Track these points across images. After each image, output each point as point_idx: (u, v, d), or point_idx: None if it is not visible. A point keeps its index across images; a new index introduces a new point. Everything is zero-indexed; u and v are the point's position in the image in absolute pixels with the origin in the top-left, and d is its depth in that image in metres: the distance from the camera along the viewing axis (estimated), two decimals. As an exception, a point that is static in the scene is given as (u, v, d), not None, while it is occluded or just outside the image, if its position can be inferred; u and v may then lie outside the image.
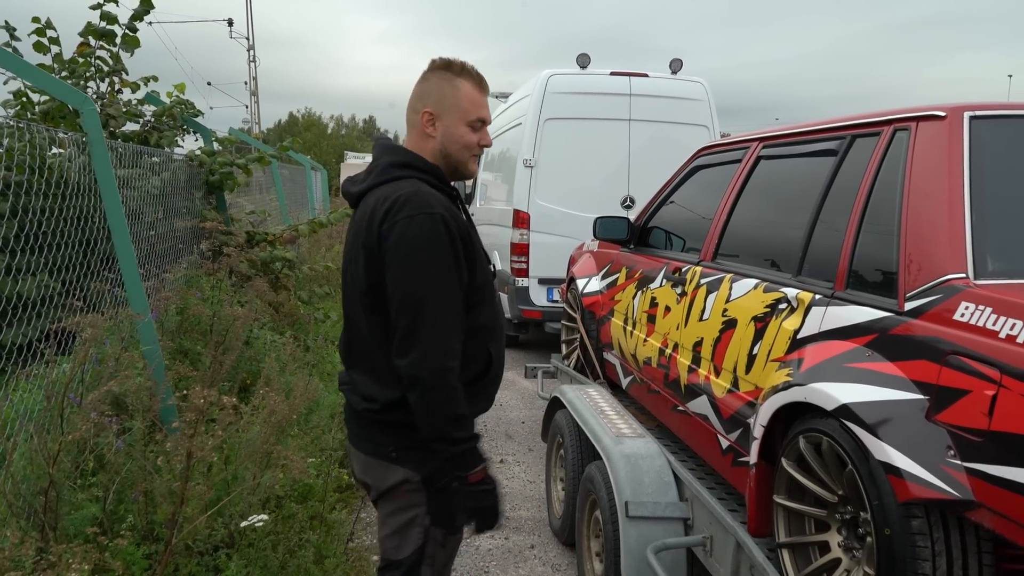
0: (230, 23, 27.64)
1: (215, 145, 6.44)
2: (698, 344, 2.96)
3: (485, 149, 2.07)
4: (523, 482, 4.71)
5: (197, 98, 6.40)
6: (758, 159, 3.01)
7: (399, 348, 1.80)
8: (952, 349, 1.71)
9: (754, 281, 2.65)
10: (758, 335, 2.51)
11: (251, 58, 29.23)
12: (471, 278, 1.89)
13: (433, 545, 1.98)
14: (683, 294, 3.18)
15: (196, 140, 6.45)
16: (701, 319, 2.97)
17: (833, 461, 1.99)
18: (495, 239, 8.15)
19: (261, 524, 2.68)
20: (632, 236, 4.13)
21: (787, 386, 2.16)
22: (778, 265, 2.63)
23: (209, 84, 36.25)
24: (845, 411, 1.87)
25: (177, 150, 6.04)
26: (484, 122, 2.01)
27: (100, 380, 3.02)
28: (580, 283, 4.65)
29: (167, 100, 6.01)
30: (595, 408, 3.51)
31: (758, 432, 2.31)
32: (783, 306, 2.42)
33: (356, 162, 22.29)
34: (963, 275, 1.79)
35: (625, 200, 7.29)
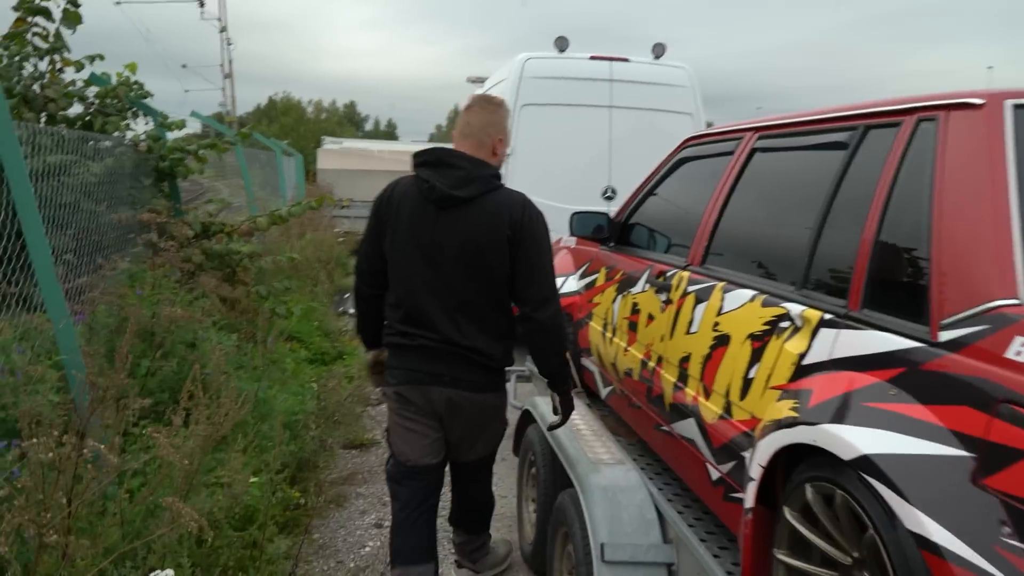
0: (201, 3, 26.80)
1: (167, 131, 5.98)
2: (685, 360, 2.62)
3: None
4: (495, 497, 4.35)
5: (172, 81, 6.06)
6: (753, 151, 2.67)
7: (540, 305, 2.69)
8: (1005, 396, 1.37)
9: (750, 292, 2.30)
10: (755, 356, 2.17)
11: (224, 40, 28.50)
12: None
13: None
14: (668, 301, 2.84)
15: (148, 124, 5.99)
16: (688, 332, 2.63)
17: (848, 518, 1.66)
18: None
19: (168, 580, 2.31)
20: (612, 233, 3.78)
21: (792, 423, 1.82)
22: (778, 275, 2.28)
23: (184, 67, 35.36)
24: (866, 463, 1.54)
25: (130, 134, 5.59)
26: None
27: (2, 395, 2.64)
28: (556, 282, 4.28)
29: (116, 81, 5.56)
30: (569, 426, 3.16)
31: (756, 473, 1.97)
32: (785, 324, 2.08)
33: (333, 147, 21.58)
34: (1016, 301, 1.45)
35: (606, 191, 6.94)
